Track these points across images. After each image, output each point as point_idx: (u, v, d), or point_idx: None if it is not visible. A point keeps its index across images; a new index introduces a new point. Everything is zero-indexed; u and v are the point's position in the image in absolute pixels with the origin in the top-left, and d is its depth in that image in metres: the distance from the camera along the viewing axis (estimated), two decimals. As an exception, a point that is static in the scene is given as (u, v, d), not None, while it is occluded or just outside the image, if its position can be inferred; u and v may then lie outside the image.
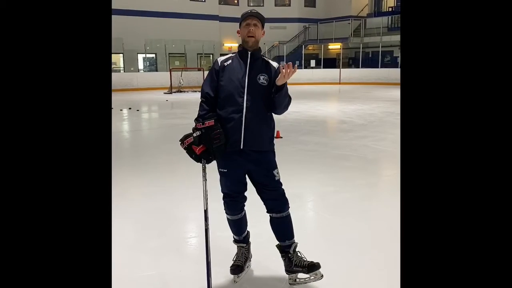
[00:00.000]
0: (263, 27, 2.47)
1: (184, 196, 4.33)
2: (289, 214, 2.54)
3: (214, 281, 2.52)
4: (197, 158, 2.41)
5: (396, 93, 16.82)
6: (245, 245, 2.69)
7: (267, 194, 2.49)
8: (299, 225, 2.69)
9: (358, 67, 24.20)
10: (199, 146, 2.35)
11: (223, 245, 2.86)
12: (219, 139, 2.35)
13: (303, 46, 25.76)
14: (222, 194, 2.58)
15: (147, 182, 4.89)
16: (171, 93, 18.12)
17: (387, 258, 2.90)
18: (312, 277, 2.50)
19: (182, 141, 2.39)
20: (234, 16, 24.63)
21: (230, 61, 2.48)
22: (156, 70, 22.99)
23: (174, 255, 2.99)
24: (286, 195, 2.53)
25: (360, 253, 2.98)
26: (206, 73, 20.25)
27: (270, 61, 2.53)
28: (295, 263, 2.50)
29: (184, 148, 2.41)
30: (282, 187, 2.52)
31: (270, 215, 2.54)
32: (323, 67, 24.53)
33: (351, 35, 25.23)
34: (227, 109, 2.40)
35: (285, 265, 2.55)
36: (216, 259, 2.70)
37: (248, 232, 2.73)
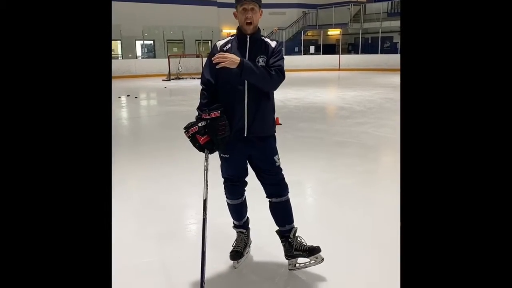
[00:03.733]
0: (260, 7, 2.37)
1: (184, 183, 4.34)
2: (289, 199, 2.55)
3: (213, 267, 2.54)
4: (200, 147, 2.39)
5: (395, 79, 16.75)
6: (244, 230, 2.70)
7: (267, 179, 2.50)
8: (299, 211, 2.70)
9: (358, 53, 24.07)
10: (204, 136, 2.33)
11: (224, 231, 2.87)
12: (224, 130, 2.32)
13: (302, 32, 25.58)
14: (223, 180, 2.58)
15: (147, 169, 4.89)
16: (169, 80, 18.03)
17: (386, 244, 2.92)
18: (313, 261, 2.51)
19: (187, 129, 2.36)
20: (232, 1, 24.42)
21: (229, 45, 2.41)
22: (154, 57, 22.86)
23: (174, 241, 3.00)
24: (286, 182, 2.53)
25: (359, 239, 2.99)
26: (205, 59, 20.25)
27: (269, 41, 2.45)
28: (295, 247, 2.52)
29: (188, 137, 2.38)
30: (282, 172, 2.52)
31: (269, 200, 2.55)
32: (323, 53, 24.39)
33: (351, 20, 25.03)
34: (229, 97, 2.37)
35: (284, 250, 2.56)
36: (215, 245, 2.72)
37: (248, 218, 2.74)
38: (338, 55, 23.70)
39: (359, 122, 7.73)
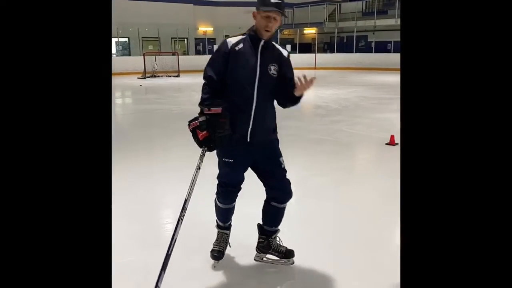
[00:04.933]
0: (284, 14, 2.26)
1: (163, 181, 4.30)
2: (286, 205, 2.53)
3: (192, 266, 2.53)
4: (199, 143, 2.31)
5: (370, 78, 17.03)
6: (228, 231, 2.68)
7: (275, 183, 2.46)
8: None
9: (333, 52, 24.32)
10: (203, 132, 2.26)
11: (202, 230, 2.86)
12: (223, 128, 2.24)
13: (279, 30, 25.65)
14: (217, 182, 2.51)
15: (124, 168, 4.83)
16: (145, 78, 17.81)
17: (364, 239, 2.97)
18: (283, 261, 2.56)
19: (188, 124, 2.30)
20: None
21: (241, 45, 2.29)
22: (129, 55, 22.53)
23: (153, 240, 2.97)
24: (291, 189, 2.50)
25: (337, 234, 3.03)
26: (180, 57, 19.92)
27: (281, 49, 2.40)
28: (273, 248, 2.56)
29: (190, 131, 2.31)
30: (287, 177, 2.48)
31: (268, 202, 2.52)
32: (299, 52, 24.52)
33: (326, 19, 25.27)
34: (237, 100, 2.29)
35: (259, 245, 2.59)
36: (193, 245, 2.71)
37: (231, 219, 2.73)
38: (314, 54, 23.90)
39: (335, 120, 7.82)
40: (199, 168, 2.32)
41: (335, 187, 4.12)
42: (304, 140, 6.25)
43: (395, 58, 21.21)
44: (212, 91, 2.31)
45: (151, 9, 22.25)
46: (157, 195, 3.96)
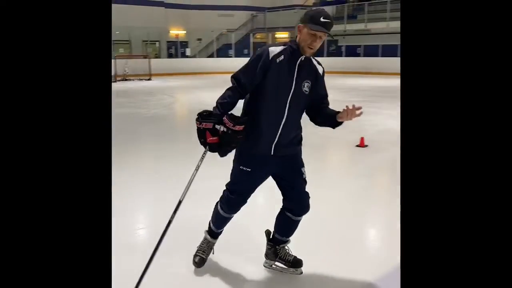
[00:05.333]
0: (331, 34, 2.18)
1: (132, 186, 4.25)
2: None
3: (178, 270, 2.53)
4: (204, 144, 2.21)
5: (339, 81, 17.28)
6: (215, 241, 2.61)
7: (294, 195, 2.39)
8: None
9: (305, 56, 24.55)
10: (214, 137, 2.17)
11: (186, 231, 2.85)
12: (238, 143, 2.21)
13: (251, 34, 25.76)
14: (225, 189, 2.43)
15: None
16: (115, 81, 17.53)
17: (336, 239, 3.02)
18: (291, 270, 2.54)
19: (200, 121, 2.17)
20: (180, 2, 24.14)
21: (282, 57, 2.16)
22: (100, 58, 22.08)
23: (127, 247, 2.94)
24: (309, 202, 2.43)
25: (310, 236, 3.07)
26: (152, 60, 19.53)
27: (317, 65, 2.31)
28: (279, 256, 2.55)
29: (197, 127, 2.20)
30: (307, 190, 2.42)
31: (284, 212, 2.45)
32: (271, 56, 24.65)
33: (297, 24, 25.51)
34: (266, 113, 2.20)
35: (267, 251, 2.59)
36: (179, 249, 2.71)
37: None
38: (286, 58, 24.07)
39: (307, 123, 7.89)
40: (198, 169, 2.25)
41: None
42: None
43: (365, 62, 21.66)
44: (238, 98, 2.21)
45: (122, 12, 21.93)
46: (127, 201, 3.91)
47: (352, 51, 23.22)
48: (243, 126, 2.16)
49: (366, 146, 5.80)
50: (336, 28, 23.32)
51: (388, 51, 20.97)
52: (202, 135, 2.19)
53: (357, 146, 5.84)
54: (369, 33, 22.85)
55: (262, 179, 2.37)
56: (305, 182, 2.39)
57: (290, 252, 2.56)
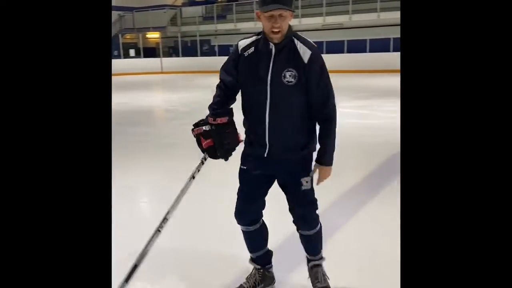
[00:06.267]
0: (291, 9, 1.84)
1: None
2: (318, 231, 2.17)
3: None
4: (202, 151, 2.08)
5: (217, 80, 17.58)
6: (259, 267, 2.24)
7: (295, 206, 2.11)
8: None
9: (179, 56, 24.44)
10: (207, 140, 2.03)
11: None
12: (229, 139, 2.01)
13: (120, 35, 24.74)
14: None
15: None
16: None
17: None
18: None
19: (193, 129, 2.07)
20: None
21: (251, 49, 1.95)
22: None
23: None
24: (316, 214, 2.15)
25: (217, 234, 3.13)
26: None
27: (302, 48, 1.91)
28: (310, 275, 2.24)
29: (194, 136, 2.08)
30: (313, 202, 2.11)
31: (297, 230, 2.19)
32: (144, 57, 24.01)
33: (168, 24, 25.24)
34: (251, 113, 2.02)
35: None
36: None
37: (268, 252, 2.27)
38: (159, 58, 23.67)
39: (185, 122, 7.93)
40: (193, 178, 2.10)
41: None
42: (155, 146, 6.22)
43: (237, 60, 22.30)
44: (223, 95, 2.05)
45: None
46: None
47: (225, 50, 23.78)
48: (226, 117, 2.01)
49: (242, 141, 6.02)
50: (208, 27, 23.67)
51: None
52: (198, 142, 2.08)
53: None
54: (239, 33, 23.64)
55: (259, 181, 2.09)
56: (305, 194, 2.07)
57: (318, 279, 2.19)
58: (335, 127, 1.99)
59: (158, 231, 1.98)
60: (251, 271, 2.26)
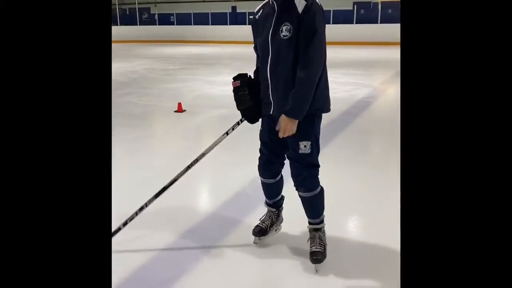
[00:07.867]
0: None
1: None
2: (316, 195, 2.18)
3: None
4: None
5: (157, 50, 17.18)
6: (274, 209, 2.45)
7: (291, 167, 2.17)
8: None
9: (117, 25, 23.45)
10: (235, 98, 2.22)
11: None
12: (242, 101, 2.15)
13: None
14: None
15: None
16: None
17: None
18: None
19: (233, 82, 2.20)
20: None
21: (261, 11, 2.10)
22: None
23: None
24: (314, 179, 2.19)
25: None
26: None
27: (300, 1, 1.89)
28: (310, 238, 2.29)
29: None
30: (311, 165, 2.12)
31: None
32: (78, 23, 22.75)
33: (105, -11, 24.01)
34: (261, 70, 2.12)
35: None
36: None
37: (282, 196, 2.47)
38: (95, 26, 22.54)
39: (124, 93, 7.81)
40: (227, 134, 2.29)
41: (134, 156, 4.26)
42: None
43: (179, 30, 21.81)
44: (258, 59, 2.20)
45: None
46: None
47: (166, 20, 23.11)
48: (238, 81, 2.15)
49: (184, 111, 6.10)
50: (147, -5, 22.80)
51: (200, 19, 21.55)
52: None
53: (175, 111, 6.09)
54: (179, 1, 23.00)
55: (272, 135, 2.15)
56: (304, 159, 2.09)
57: (315, 243, 2.23)
58: (308, 80, 1.91)
59: (189, 167, 2.32)
60: (265, 213, 2.49)
